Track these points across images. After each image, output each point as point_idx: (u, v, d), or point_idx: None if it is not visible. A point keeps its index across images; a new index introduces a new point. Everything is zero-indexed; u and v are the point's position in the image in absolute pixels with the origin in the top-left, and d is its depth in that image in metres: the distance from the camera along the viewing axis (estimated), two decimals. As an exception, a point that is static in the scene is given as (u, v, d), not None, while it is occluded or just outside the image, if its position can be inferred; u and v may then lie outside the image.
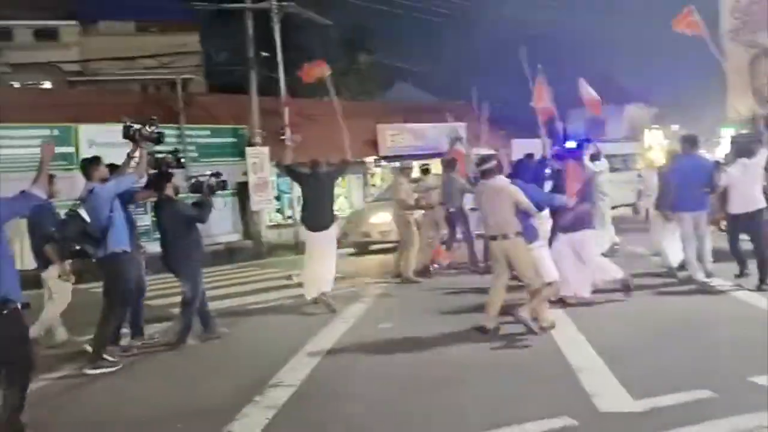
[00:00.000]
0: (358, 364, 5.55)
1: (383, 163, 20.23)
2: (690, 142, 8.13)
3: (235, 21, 17.16)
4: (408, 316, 7.34)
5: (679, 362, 4.97)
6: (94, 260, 5.87)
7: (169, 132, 16.11)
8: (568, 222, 7.02)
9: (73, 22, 30.62)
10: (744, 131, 15.60)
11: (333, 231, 7.98)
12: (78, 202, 5.93)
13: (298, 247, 14.64)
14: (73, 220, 5.74)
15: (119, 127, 6.00)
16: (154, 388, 5.35)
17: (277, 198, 18.03)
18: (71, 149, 14.22)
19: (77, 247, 5.77)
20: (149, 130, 6.00)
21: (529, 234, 6.16)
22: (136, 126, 5.95)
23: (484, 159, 6.38)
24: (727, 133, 22.71)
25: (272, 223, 17.80)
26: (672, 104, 42.64)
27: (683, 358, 5.08)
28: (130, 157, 6.06)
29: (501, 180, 6.22)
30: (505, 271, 6.20)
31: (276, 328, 7.38)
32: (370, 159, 19.97)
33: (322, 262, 7.78)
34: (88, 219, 5.69)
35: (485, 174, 6.23)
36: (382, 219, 12.76)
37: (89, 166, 6.07)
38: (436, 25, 28.37)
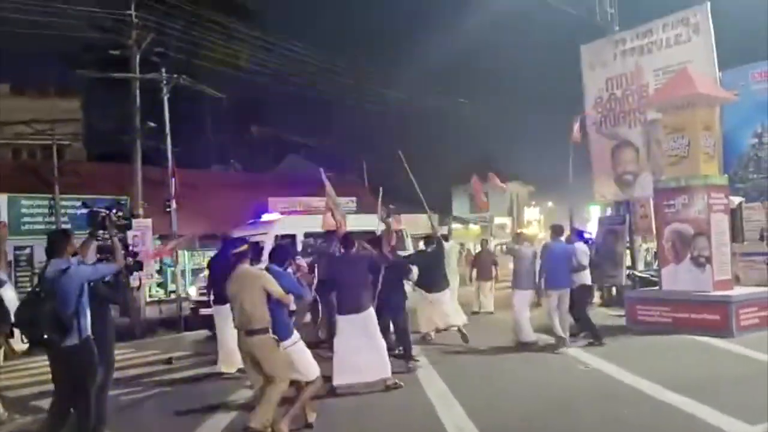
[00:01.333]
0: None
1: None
2: (556, 231, 9.81)
3: (120, 89, 16.70)
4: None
5: None
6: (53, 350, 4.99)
7: (40, 203, 15.21)
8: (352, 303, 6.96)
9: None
10: (609, 213, 16.97)
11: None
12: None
13: (181, 324, 13.96)
14: (41, 302, 4.86)
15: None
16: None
17: (159, 271, 17.22)
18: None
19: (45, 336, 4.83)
20: (118, 215, 5.75)
21: (283, 330, 5.56)
22: (103, 212, 5.60)
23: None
24: (595, 211, 24.64)
25: (153, 299, 16.91)
26: (547, 182, 45.91)
27: None
28: (92, 236, 5.65)
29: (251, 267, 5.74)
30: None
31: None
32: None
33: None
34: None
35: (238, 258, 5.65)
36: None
37: (60, 240, 5.21)
38: (330, 102, 29.10)
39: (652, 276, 12.85)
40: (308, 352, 5.75)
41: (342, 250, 7.96)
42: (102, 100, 20.93)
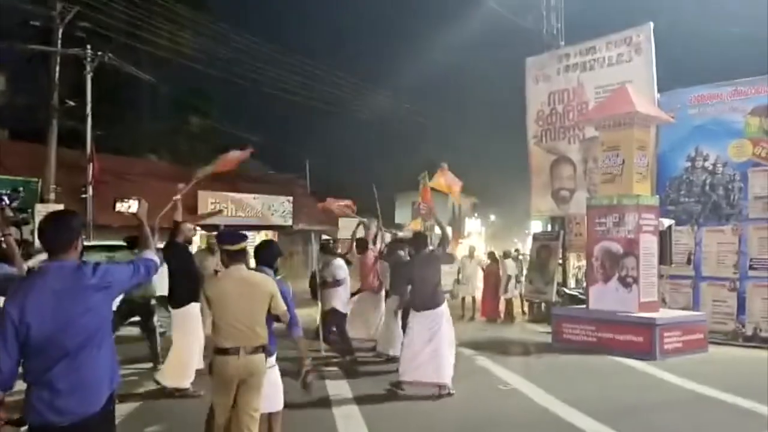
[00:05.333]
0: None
1: (201, 231, 19.08)
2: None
3: (43, 65, 15.59)
4: None
5: None
6: None
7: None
8: None
9: None
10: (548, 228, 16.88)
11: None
12: None
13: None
14: None
15: None
16: None
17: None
18: None
19: None
20: (12, 207, 4.45)
21: (273, 346, 4.49)
22: None
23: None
24: (536, 226, 24.75)
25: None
26: (491, 195, 46.26)
27: None
28: None
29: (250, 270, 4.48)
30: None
31: None
32: (189, 226, 18.73)
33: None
34: None
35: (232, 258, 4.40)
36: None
37: None
38: (276, 99, 28.36)
39: (581, 294, 12.72)
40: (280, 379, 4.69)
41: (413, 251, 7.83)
42: (21, 74, 19.57)
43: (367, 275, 9.78)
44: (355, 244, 10.06)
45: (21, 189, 5.20)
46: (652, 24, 12.20)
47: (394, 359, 8.22)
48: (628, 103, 10.27)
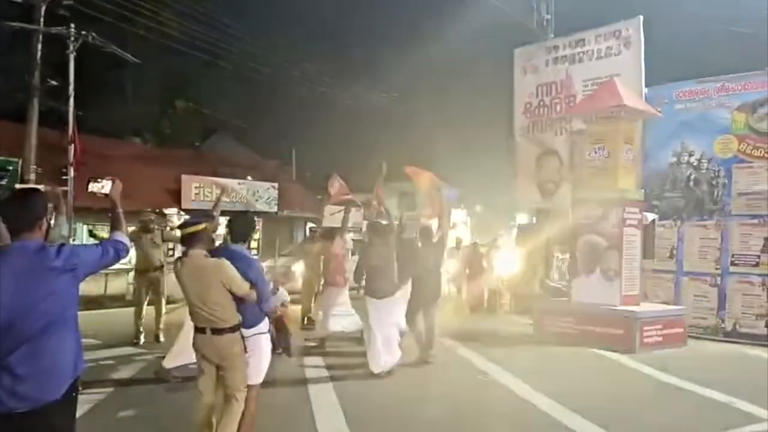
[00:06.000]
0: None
1: (185, 217, 18.93)
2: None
3: (24, 42, 15.27)
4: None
5: None
6: None
7: None
8: None
9: None
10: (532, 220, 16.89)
11: None
12: None
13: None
14: None
15: None
16: None
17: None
18: None
19: None
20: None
21: (250, 318, 4.47)
22: None
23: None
24: (522, 218, 24.76)
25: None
26: (477, 186, 46.25)
27: None
28: None
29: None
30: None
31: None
32: (171, 211, 18.56)
33: None
34: None
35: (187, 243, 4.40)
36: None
37: None
38: (265, 83, 28.09)
39: (564, 287, 12.75)
40: (267, 352, 4.62)
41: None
42: (2, 52, 19.18)
43: (333, 269, 9.38)
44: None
45: (10, 168, 4.94)
46: (641, 18, 12.17)
47: None
48: (616, 96, 10.23)
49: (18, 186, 13.76)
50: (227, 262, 4.28)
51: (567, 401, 6.21)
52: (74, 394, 2.89)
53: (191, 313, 4.37)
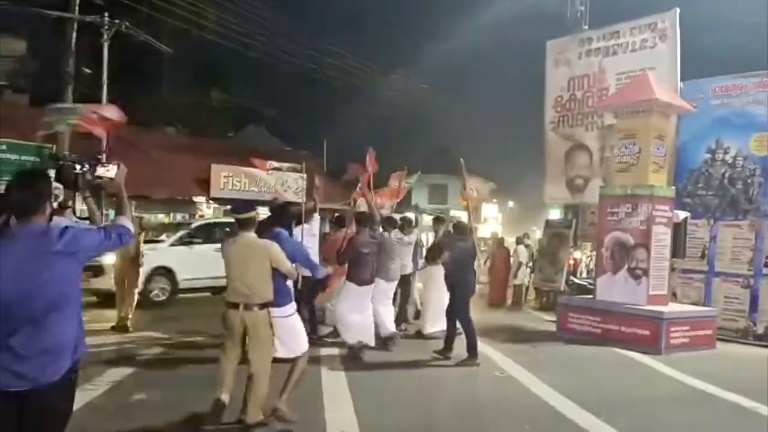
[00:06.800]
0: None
1: (214, 205, 19.17)
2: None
3: (61, 31, 15.59)
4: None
5: None
6: None
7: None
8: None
9: None
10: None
11: None
12: None
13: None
14: None
15: None
16: None
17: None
18: None
19: None
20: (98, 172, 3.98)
21: (280, 298, 5.06)
22: (78, 167, 3.88)
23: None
24: (555, 214, 24.39)
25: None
26: (511, 181, 45.78)
27: None
28: (63, 207, 3.70)
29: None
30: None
31: None
32: (200, 199, 18.83)
33: None
34: None
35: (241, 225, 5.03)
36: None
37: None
38: (296, 75, 28.19)
39: (590, 284, 12.50)
40: (301, 326, 5.35)
41: None
42: (41, 40, 19.65)
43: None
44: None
45: (100, 156, 5.06)
46: (678, 10, 11.81)
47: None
48: (648, 90, 9.95)
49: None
50: (275, 244, 5.01)
51: (585, 402, 6.06)
52: (73, 377, 2.92)
53: (230, 289, 4.93)
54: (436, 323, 9.16)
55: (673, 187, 10.50)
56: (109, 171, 3.48)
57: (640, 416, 5.89)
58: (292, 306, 5.28)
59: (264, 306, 4.86)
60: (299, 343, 5.20)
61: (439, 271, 8.73)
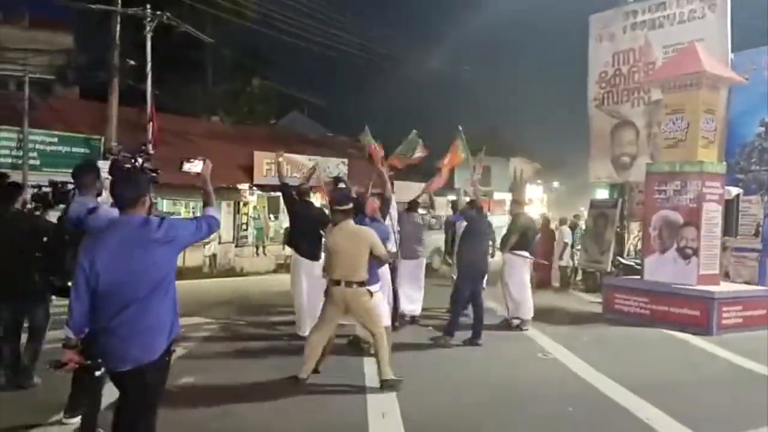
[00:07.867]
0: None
1: (258, 192, 19.41)
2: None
3: (105, 24, 15.96)
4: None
5: None
6: None
7: (7, 135, 14.61)
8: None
9: None
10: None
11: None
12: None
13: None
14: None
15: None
16: None
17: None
18: None
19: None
20: (144, 165, 4.56)
21: (373, 278, 5.84)
22: (131, 159, 4.59)
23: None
24: (602, 194, 23.85)
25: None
26: (556, 161, 44.94)
27: None
28: None
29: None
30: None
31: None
32: (243, 186, 19.09)
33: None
34: None
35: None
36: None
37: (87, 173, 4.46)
38: (337, 61, 28.19)
39: (637, 264, 12.21)
40: (385, 303, 6.15)
41: None
42: (86, 34, 20.13)
43: None
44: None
45: (145, 147, 5.30)
46: (728, -23, 11.32)
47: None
48: (696, 62, 9.59)
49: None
50: (373, 231, 5.82)
51: (631, 383, 5.94)
52: (168, 357, 3.18)
53: (333, 268, 5.64)
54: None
55: (724, 163, 10.13)
56: (195, 166, 3.71)
57: (688, 397, 5.73)
58: (379, 284, 6.01)
59: (362, 284, 5.59)
60: (382, 317, 5.84)
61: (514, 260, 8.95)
